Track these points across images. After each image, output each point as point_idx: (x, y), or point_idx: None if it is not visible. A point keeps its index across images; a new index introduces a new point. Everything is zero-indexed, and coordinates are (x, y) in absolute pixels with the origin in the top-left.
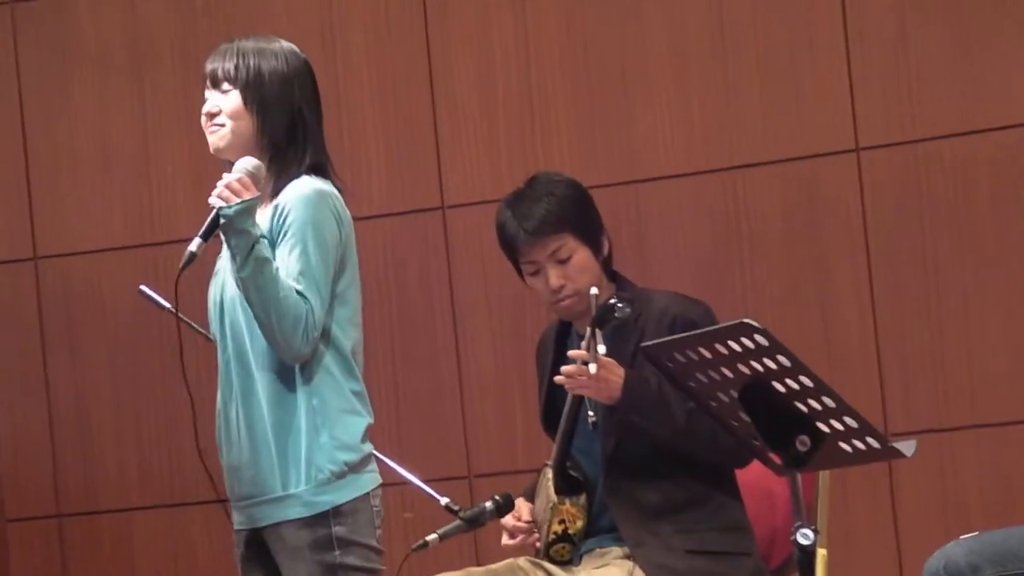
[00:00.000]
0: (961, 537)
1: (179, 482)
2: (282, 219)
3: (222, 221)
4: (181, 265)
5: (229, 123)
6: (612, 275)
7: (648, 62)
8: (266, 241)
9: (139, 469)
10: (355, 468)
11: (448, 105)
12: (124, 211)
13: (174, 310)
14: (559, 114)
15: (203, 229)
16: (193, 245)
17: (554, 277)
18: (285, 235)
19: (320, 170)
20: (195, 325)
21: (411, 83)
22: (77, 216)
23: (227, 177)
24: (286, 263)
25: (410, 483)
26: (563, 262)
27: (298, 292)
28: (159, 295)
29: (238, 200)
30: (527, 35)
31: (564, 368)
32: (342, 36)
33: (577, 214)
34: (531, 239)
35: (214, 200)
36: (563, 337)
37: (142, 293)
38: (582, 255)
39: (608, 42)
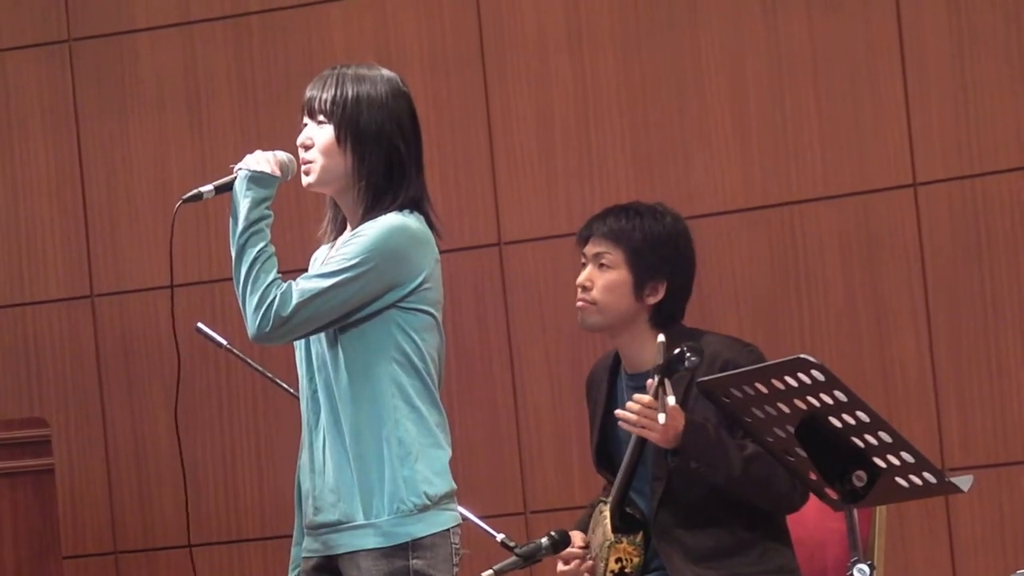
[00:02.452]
0: (1018, 572)
1: (236, 519)
2: (353, 235)
3: (236, 181)
4: (185, 197)
5: (320, 159)
6: (663, 324)
7: (705, 97)
8: (268, 220)
9: (196, 505)
10: (438, 503)
11: (505, 141)
12: (182, 248)
13: (231, 347)
14: (616, 150)
15: (219, 181)
16: (204, 187)
17: (584, 275)
18: (348, 243)
19: (415, 205)
20: (251, 362)
21: (468, 119)
22: (134, 253)
23: (259, 152)
24: (328, 258)
25: (466, 519)
26: (601, 268)
27: (284, 280)
28: (216, 333)
29: (257, 168)
30: (584, 71)
31: (629, 406)
32: (399, 71)
33: (643, 244)
34: (590, 235)
35: (238, 165)
36: (614, 376)
37: (199, 331)
38: (619, 275)
39: (665, 78)
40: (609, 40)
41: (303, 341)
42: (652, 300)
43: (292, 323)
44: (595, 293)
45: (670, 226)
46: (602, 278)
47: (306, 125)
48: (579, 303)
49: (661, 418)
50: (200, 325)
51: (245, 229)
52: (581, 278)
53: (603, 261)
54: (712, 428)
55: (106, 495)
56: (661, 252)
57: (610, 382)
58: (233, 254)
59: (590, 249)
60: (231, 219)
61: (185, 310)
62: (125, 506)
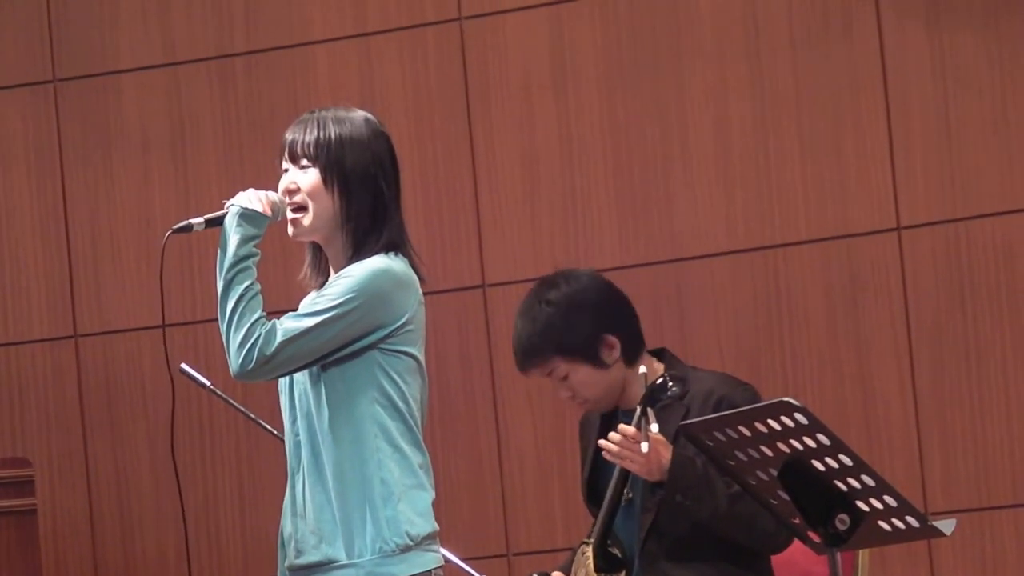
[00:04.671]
0: None
1: (218, 561)
2: (339, 276)
3: (227, 217)
4: (175, 227)
5: (310, 204)
6: (659, 353)
7: (689, 140)
8: (256, 258)
9: (179, 548)
10: (420, 543)
11: (489, 183)
12: (166, 289)
13: (215, 389)
14: (600, 192)
15: (210, 215)
16: (195, 220)
17: (560, 392)
18: (333, 283)
19: (397, 247)
20: (234, 403)
21: (453, 160)
22: (118, 294)
23: (251, 190)
24: (313, 298)
25: (450, 561)
26: (563, 380)
27: (268, 318)
28: (200, 374)
29: (248, 206)
30: (568, 113)
31: (612, 436)
32: (384, 113)
33: (561, 336)
34: (523, 370)
35: (230, 201)
36: (609, 413)
37: (183, 372)
38: (580, 373)
39: (649, 120)
40: (594, 83)
41: (288, 387)
42: (616, 354)
43: (275, 362)
44: (581, 396)
45: (565, 296)
46: (572, 383)
47: (287, 170)
48: (583, 407)
49: (644, 447)
50: (184, 366)
51: (233, 265)
52: (561, 396)
53: (556, 376)
54: (701, 463)
55: (88, 536)
56: (574, 326)
57: (604, 418)
58: (219, 289)
59: (536, 377)
60: (219, 252)
61: (169, 350)
62: (107, 547)
